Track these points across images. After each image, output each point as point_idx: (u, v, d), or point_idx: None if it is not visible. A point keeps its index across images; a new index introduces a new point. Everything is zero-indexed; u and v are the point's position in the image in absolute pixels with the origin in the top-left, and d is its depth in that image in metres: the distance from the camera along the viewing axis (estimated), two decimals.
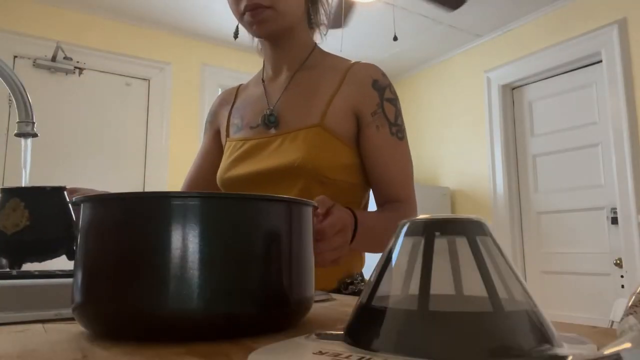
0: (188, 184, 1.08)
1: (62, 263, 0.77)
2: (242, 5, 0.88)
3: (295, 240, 0.41)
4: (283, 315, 0.40)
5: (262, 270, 0.38)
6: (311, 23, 0.98)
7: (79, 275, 0.38)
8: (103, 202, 0.39)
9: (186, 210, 0.36)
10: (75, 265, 0.39)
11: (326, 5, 1.01)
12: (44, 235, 0.69)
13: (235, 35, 1.01)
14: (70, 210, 0.73)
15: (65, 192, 0.74)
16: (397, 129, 0.91)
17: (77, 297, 0.38)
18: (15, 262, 0.69)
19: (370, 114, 0.90)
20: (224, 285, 0.36)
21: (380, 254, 0.36)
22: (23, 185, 0.71)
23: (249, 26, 0.91)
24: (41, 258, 0.71)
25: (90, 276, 0.38)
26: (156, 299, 0.35)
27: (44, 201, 0.70)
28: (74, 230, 0.73)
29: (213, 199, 0.37)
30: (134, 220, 0.37)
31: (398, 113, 0.92)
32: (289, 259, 0.40)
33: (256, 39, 1.02)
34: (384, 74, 0.94)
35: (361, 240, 0.77)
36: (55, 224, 0.70)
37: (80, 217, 0.40)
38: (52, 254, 0.72)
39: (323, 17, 1.01)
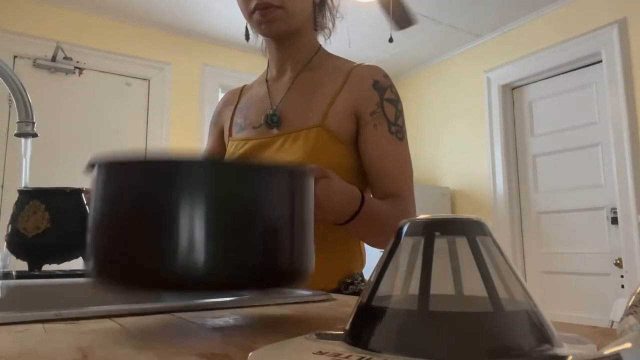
0: None
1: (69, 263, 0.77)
2: (252, 4, 0.88)
3: (297, 204, 0.42)
4: (282, 272, 0.41)
5: (263, 229, 0.39)
6: (317, 25, 0.98)
7: (97, 236, 0.40)
8: (119, 166, 0.40)
9: (192, 175, 0.37)
10: (91, 227, 0.40)
11: (333, 9, 1.01)
12: (64, 237, 0.69)
13: (247, 37, 1.01)
14: (87, 211, 0.74)
15: (83, 194, 0.75)
16: (397, 129, 0.90)
17: (96, 257, 0.40)
18: (36, 265, 0.69)
19: (369, 114, 0.89)
20: (227, 245, 0.37)
21: (381, 254, 0.36)
22: (41, 187, 0.72)
23: (258, 25, 0.91)
24: (61, 260, 0.71)
25: (107, 237, 0.39)
26: (166, 255, 0.37)
27: (64, 203, 0.70)
28: None
29: (217, 165, 0.39)
30: (147, 184, 0.38)
31: (399, 114, 0.92)
32: (291, 220, 0.41)
33: (261, 39, 1.02)
34: (386, 75, 0.94)
35: (361, 221, 0.77)
36: (74, 226, 0.70)
37: (96, 180, 0.40)
38: (71, 256, 0.72)
39: (328, 20, 1.01)
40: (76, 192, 0.72)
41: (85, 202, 0.74)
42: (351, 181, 0.90)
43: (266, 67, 1.05)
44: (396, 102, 0.92)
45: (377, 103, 0.90)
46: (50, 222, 0.68)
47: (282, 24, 0.90)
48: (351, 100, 0.90)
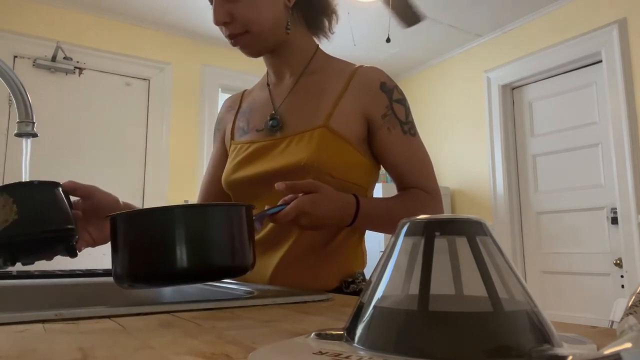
0: (204, 192, 1.10)
1: (56, 264, 0.75)
2: (224, 34, 0.92)
3: (236, 227, 0.63)
4: (231, 269, 0.63)
5: (221, 243, 0.61)
6: (288, 29, 0.95)
7: (125, 256, 0.59)
8: (131, 216, 0.62)
9: (176, 215, 0.59)
10: (118, 250, 0.59)
11: (328, 12, 0.99)
12: (35, 230, 0.67)
13: None
14: (66, 205, 0.72)
15: (61, 188, 0.73)
16: (409, 127, 0.93)
17: (122, 267, 0.59)
18: (8, 259, 0.67)
19: (381, 117, 0.91)
20: (201, 254, 0.59)
21: (381, 254, 0.36)
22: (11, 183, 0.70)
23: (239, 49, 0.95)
24: (36, 256, 0.69)
25: (131, 255, 0.60)
26: (167, 262, 0.58)
27: (34, 196, 0.68)
28: (73, 226, 0.71)
29: (191, 207, 0.63)
30: (153, 223, 0.60)
31: (407, 111, 0.94)
32: (232, 238, 0.62)
33: None
34: (388, 76, 0.96)
35: (366, 220, 0.85)
36: (47, 219, 0.68)
37: (117, 226, 0.60)
38: (48, 251, 0.70)
39: (322, 23, 1.00)
40: (47, 185, 0.71)
41: (62, 195, 0.73)
42: (360, 178, 0.92)
43: (266, 70, 1.05)
44: (404, 100, 0.95)
45: (387, 106, 0.92)
46: (17, 215, 0.66)
47: (255, 47, 0.93)
48: (359, 102, 0.91)
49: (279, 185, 0.75)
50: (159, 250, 0.58)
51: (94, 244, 0.81)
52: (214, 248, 0.60)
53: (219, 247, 0.60)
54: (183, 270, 0.57)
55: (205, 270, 0.59)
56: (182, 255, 0.57)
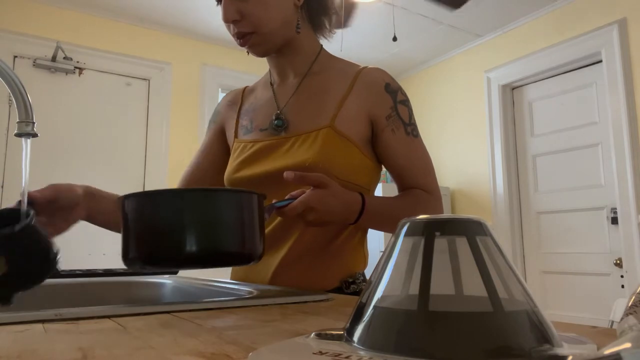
0: (187, 180, 1.07)
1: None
2: (232, 32, 0.92)
3: (248, 214, 0.63)
4: (242, 255, 0.63)
5: (233, 228, 0.61)
6: (299, 29, 0.95)
7: (137, 237, 0.60)
8: (143, 196, 0.62)
9: (189, 198, 0.59)
10: (128, 233, 0.60)
11: (331, 12, 0.99)
12: (25, 276, 0.65)
13: (248, 52, 1.01)
14: (45, 239, 0.67)
15: (33, 220, 0.65)
16: (412, 128, 0.94)
17: (132, 250, 0.60)
18: (3, 304, 0.66)
19: (385, 118, 0.91)
20: (212, 238, 0.60)
21: (381, 254, 0.35)
22: None
23: (245, 49, 0.95)
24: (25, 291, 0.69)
25: (144, 236, 0.60)
26: (178, 244, 0.58)
27: (18, 242, 0.65)
28: (54, 261, 0.68)
29: (204, 191, 0.64)
30: (166, 205, 0.60)
31: (411, 113, 0.95)
32: (243, 225, 0.63)
33: None
34: (392, 78, 0.96)
35: (370, 219, 0.84)
36: (33, 261, 0.66)
37: (126, 207, 0.60)
38: (36, 285, 0.69)
39: (325, 23, 1.00)
40: (27, 227, 0.64)
41: (40, 231, 0.67)
42: (363, 179, 0.92)
43: (268, 69, 1.05)
44: (407, 102, 0.95)
45: (392, 107, 0.92)
46: (7, 266, 0.63)
47: (263, 47, 0.93)
48: (364, 103, 0.92)
49: (288, 174, 0.75)
50: (171, 233, 0.57)
51: (58, 233, 0.80)
52: (225, 233, 0.60)
53: (231, 232, 0.61)
54: (193, 253, 0.57)
55: (215, 254, 0.60)
56: (192, 239, 0.57)
